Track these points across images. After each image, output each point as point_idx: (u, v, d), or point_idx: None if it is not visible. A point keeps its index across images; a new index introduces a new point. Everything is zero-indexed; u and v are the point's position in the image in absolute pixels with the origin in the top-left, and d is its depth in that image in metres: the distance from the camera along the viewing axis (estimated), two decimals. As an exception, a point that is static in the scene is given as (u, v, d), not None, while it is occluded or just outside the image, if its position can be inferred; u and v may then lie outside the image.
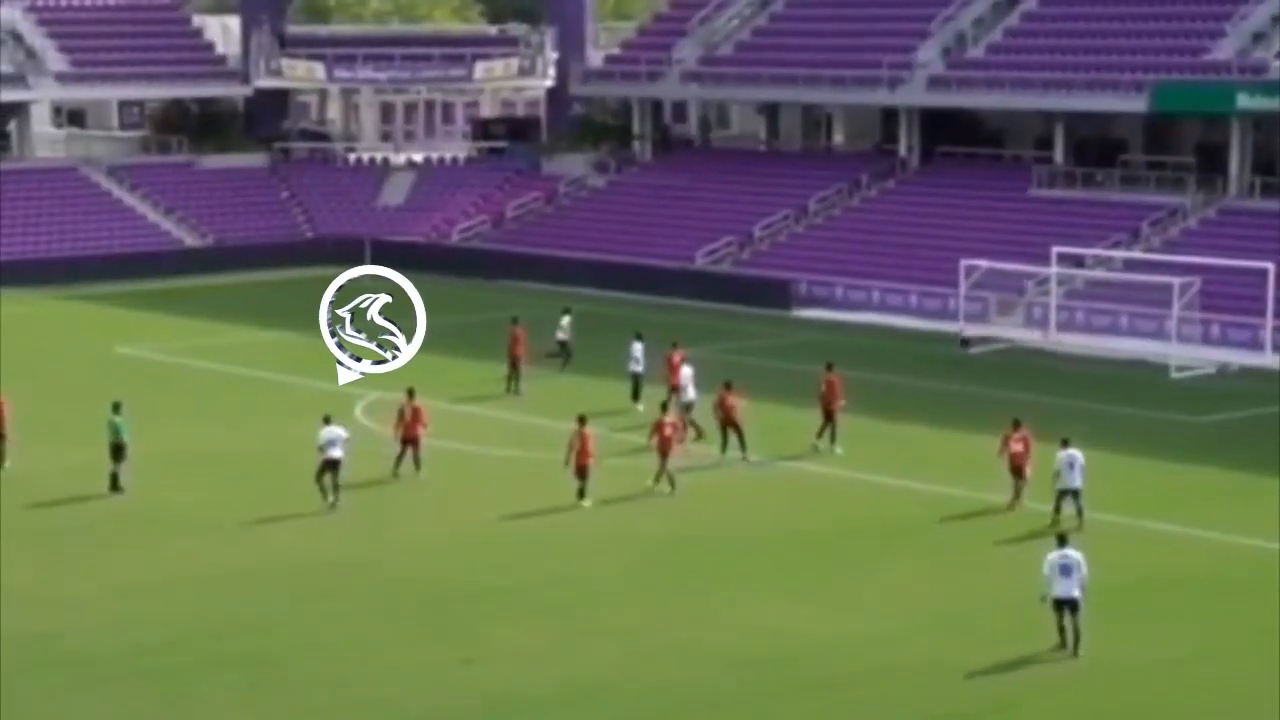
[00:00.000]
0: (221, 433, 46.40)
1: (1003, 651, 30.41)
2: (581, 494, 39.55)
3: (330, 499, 39.12)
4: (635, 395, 48.96)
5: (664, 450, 40.37)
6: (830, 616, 32.44)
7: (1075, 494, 37.37)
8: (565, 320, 55.64)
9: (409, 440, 41.72)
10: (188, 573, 34.87)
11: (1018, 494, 38.90)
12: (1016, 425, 39.48)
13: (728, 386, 43.66)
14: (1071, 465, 37.42)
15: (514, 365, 51.44)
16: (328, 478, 39.18)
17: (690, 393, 45.39)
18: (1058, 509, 37.37)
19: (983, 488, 39.79)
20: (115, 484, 40.21)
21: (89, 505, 39.34)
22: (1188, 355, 55.83)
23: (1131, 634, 31.52)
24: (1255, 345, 57.52)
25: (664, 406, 42.23)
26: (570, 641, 31.12)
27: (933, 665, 29.88)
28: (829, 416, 44.40)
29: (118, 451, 40.31)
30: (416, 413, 41.86)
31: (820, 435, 44.41)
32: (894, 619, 32.24)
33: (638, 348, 49.75)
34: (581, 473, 39.51)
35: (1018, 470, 38.82)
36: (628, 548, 36.82)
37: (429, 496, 40.58)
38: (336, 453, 39.13)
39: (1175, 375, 54.83)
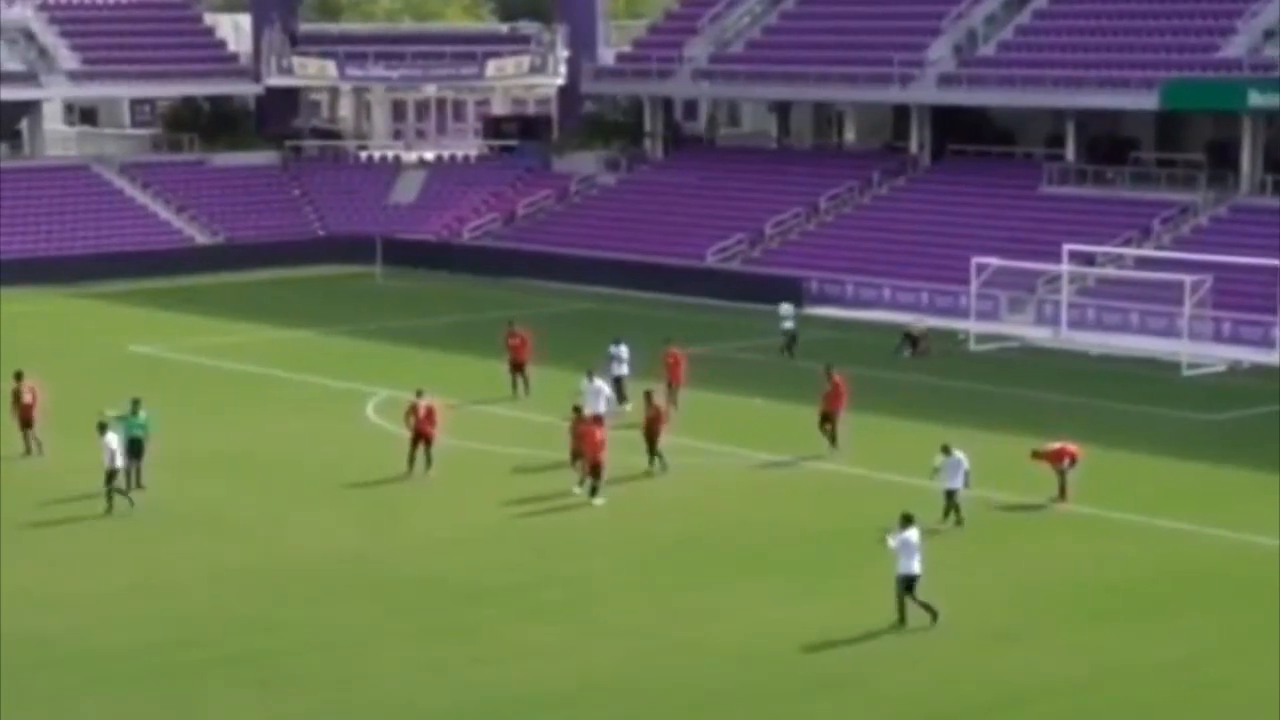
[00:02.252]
0: (232, 431, 46.38)
1: (1006, 650, 30.43)
2: (593, 492, 39.57)
3: (111, 505, 38.62)
4: (620, 397, 48.35)
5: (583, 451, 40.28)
6: (835, 614, 32.38)
7: (951, 493, 37.74)
8: (788, 308, 57.45)
9: (422, 437, 41.78)
10: (196, 571, 34.86)
11: (1063, 491, 39.38)
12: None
13: (648, 395, 43.21)
14: (956, 469, 37.76)
15: (519, 368, 51.13)
16: (116, 484, 38.67)
17: (601, 406, 44.35)
18: (957, 508, 37.50)
19: (990, 486, 39.68)
20: (128, 483, 40.13)
21: (97, 503, 39.26)
22: (1199, 353, 55.76)
23: (1138, 632, 31.46)
24: (1266, 343, 57.42)
25: (576, 409, 41.74)
26: (577, 640, 31.09)
27: (936, 663, 29.86)
28: (830, 418, 44.16)
29: (134, 449, 40.20)
30: (430, 412, 41.90)
31: (832, 441, 44.22)
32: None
33: (618, 350, 49.66)
34: (594, 471, 39.55)
35: (1073, 458, 39.37)
36: (634, 546, 36.80)
37: (437, 495, 40.58)
38: (120, 461, 38.87)
39: (1186, 373, 54.75)
